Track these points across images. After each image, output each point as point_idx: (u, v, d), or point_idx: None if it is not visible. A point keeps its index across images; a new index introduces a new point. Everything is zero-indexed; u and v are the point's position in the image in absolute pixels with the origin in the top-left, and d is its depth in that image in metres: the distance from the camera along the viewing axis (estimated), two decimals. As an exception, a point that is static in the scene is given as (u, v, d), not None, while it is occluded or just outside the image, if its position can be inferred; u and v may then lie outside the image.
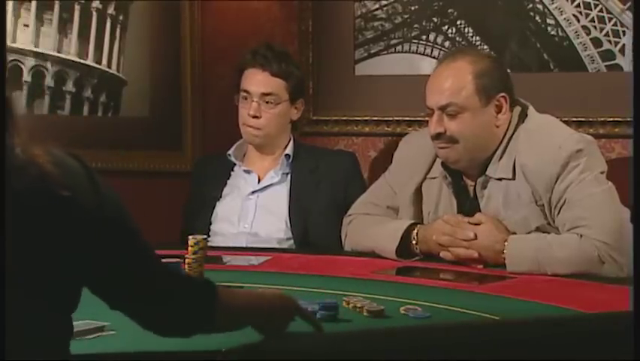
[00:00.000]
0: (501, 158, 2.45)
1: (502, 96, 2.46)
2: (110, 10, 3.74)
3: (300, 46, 3.59)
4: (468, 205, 2.51)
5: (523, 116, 2.49)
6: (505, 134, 2.46)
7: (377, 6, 3.55)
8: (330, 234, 2.87)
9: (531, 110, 2.51)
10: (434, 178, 2.58)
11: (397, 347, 1.36)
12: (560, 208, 2.37)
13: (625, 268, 2.26)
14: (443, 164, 2.55)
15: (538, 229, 2.39)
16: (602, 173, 2.40)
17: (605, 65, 3.29)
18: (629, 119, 3.25)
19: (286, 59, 2.95)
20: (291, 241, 2.89)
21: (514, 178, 2.42)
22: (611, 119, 3.31)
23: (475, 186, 2.50)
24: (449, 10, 3.47)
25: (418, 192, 2.60)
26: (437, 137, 2.46)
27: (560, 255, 2.28)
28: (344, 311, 1.86)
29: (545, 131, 2.46)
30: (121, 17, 3.73)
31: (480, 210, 2.47)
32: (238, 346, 1.46)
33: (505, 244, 2.34)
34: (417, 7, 3.50)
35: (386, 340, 1.40)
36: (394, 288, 2.13)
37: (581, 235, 2.29)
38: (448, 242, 2.40)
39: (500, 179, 2.44)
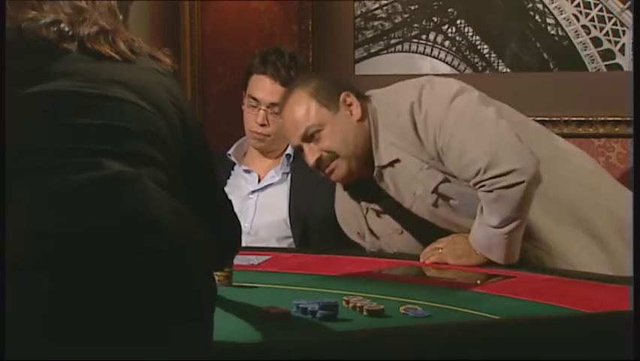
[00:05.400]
0: (377, 146, 2.48)
1: (345, 94, 2.50)
2: (110, 10, 3.74)
3: (300, 46, 3.60)
4: (389, 204, 2.54)
5: (372, 101, 2.53)
6: (370, 124, 2.49)
7: (377, 5, 3.55)
8: (329, 233, 2.87)
9: (373, 91, 2.55)
10: (368, 212, 2.61)
11: (397, 347, 1.35)
12: (441, 157, 2.39)
13: (525, 173, 2.26)
14: (352, 192, 2.60)
15: (437, 190, 2.42)
16: (452, 97, 2.39)
17: (605, 65, 3.29)
18: (629, 119, 3.25)
19: (295, 65, 2.93)
20: (291, 240, 2.89)
21: (396, 159, 2.45)
22: (611, 118, 3.31)
23: (379, 184, 2.53)
24: (449, 10, 3.47)
25: (373, 232, 2.63)
26: (318, 164, 2.50)
27: (494, 222, 2.30)
28: (344, 311, 1.86)
29: (388, 101, 2.49)
30: (121, 17, 3.72)
31: (395, 202, 2.50)
32: (238, 346, 1.46)
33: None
34: (417, 6, 3.51)
35: (386, 340, 1.40)
36: (394, 287, 2.13)
37: (483, 188, 2.31)
38: None
39: (390, 164, 2.47)
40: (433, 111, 2.39)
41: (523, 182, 2.27)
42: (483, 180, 2.30)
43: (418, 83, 2.47)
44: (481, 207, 2.34)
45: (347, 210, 2.68)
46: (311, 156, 2.50)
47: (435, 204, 2.46)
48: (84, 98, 1.41)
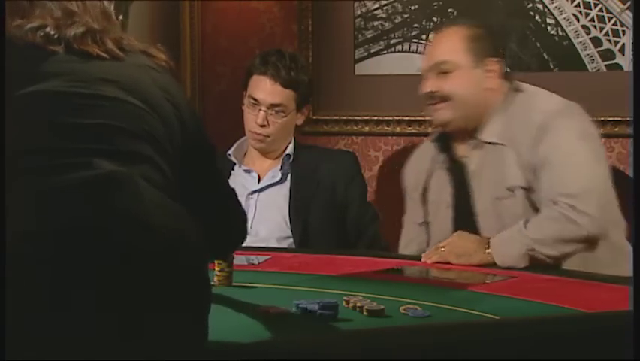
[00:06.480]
0: (492, 122, 2.51)
1: (494, 60, 2.54)
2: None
3: (300, 46, 3.60)
4: (460, 176, 2.57)
5: (516, 88, 2.57)
6: (498, 101, 2.53)
7: (377, 5, 3.55)
8: (329, 233, 2.88)
9: (526, 85, 2.59)
10: (435, 172, 2.64)
11: (397, 347, 1.35)
12: (541, 171, 2.42)
13: (592, 225, 2.31)
14: (433, 141, 2.64)
15: (513, 189, 2.44)
16: (586, 134, 2.43)
17: (605, 65, 3.29)
18: (628, 119, 3.25)
19: (296, 66, 2.93)
20: (291, 240, 2.89)
21: (502, 143, 2.49)
22: (611, 118, 3.31)
23: (466, 154, 2.57)
24: (449, 10, 3.47)
25: (425, 191, 2.67)
26: (430, 97, 2.54)
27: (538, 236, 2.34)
28: (344, 311, 1.86)
29: (533, 98, 2.54)
30: (121, 17, 3.72)
31: (468, 178, 2.51)
32: (238, 346, 1.46)
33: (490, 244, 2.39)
34: (417, 6, 3.51)
35: (386, 340, 1.40)
36: (394, 287, 2.13)
37: (554, 204, 2.35)
38: None
39: (490, 143, 2.50)
40: (556, 140, 2.41)
41: (586, 232, 2.32)
42: (560, 200, 2.33)
43: (564, 105, 2.49)
44: (526, 221, 2.36)
45: (420, 160, 2.70)
46: (429, 85, 2.54)
47: (500, 198, 2.47)
48: (75, 98, 1.42)
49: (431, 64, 2.54)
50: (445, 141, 2.63)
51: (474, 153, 2.54)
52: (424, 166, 2.68)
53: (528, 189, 2.44)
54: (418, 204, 2.68)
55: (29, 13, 1.49)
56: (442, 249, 2.43)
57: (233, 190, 1.71)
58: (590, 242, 2.35)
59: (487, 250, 2.37)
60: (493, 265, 2.36)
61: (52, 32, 1.47)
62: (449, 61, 2.52)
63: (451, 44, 2.53)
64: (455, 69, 2.51)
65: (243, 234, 1.75)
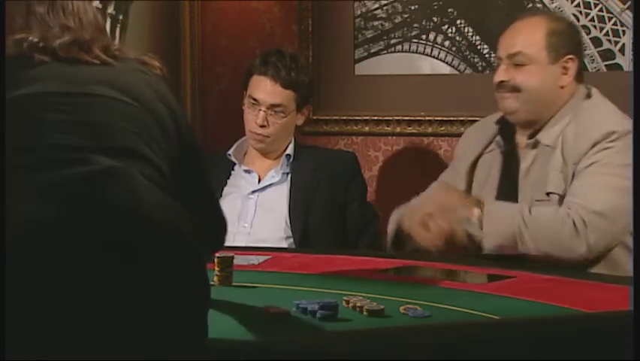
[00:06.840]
0: (554, 124, 2.50)
1: (571, 58, 2.53)
2: (110, 10, 3.73)
3: (300, 46, 3.60)
4: (511, 168, 2.57)
5: (587, 92, 2.55)
6: (566, 102, 2.51)
7: (377, 5, 3.55)
8: (329, 233, 2.88)
9: (595, 91, 2.57)
10: (490, 152, 2.64)
11: (397, 347, 1.35)
12: (575, 179, 2.41)
13: (592, 247, 2.31)
14: (499, 121, 2.62)
15: (549, 195, 2.44)
16: (629, 163, 2.42)
17: (605, 65, 3.29)
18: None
19: (296, 66, 2.94)
20: (291, 240, 2.89)
21: (555, 147, 2.48)
22: (611, 118, 3.30)
23: (522, 149, 2.56)
24: (449, 10, 3.47)
25: (474, 166, 2.66)
26: (501, 85, 2.53)
27: (534, 225, 2.33)
28: (344, 311, 1.86)
29: (599, 111, 2.51)
30: (121, 17, 3.72)
31: (519, 174, 2.52)
32: (238, 345, 1.46)
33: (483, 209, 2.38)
34: (417, 6, 3.51)
35: (386, 340, 1.40)
36: (394, 287, 2.13)
37: (568, 208, 2.35)
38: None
39: (547, 145, 2.50)
40: (602, 159, 2.40)
41: (585, 249, 2.31)
42: (577, 208, 2.32)
43: (626, 128, 2.43)
44: (531, 207, 2.37)
45: (478, 134, 2.70)
46: (502, 74, 2.53)
47: (537, 200, 2.46)
48: (68, 97, 1.43)
49: (507, 53, 2.53)
50: (508, 125, 2.61)
51: (530, 151, 2.53)
52: (480, 142, 2.67)
53: (563, 197, 2.43)
54: (462, 177, 2.66)
55: (26, 28, 1.52)
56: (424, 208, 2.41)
57: (216, 197, 1.73)
58: (579, 263, 2.33)
59: (476, 210, 2.37)
60: (474, 240, 2.36)
61: (35, 40, 1.49)
62: (526, 53, 2.50)
63: (530, 36, 2.51)
64: (530, 63, 2.50)
65: (223, 238, 1.75)
